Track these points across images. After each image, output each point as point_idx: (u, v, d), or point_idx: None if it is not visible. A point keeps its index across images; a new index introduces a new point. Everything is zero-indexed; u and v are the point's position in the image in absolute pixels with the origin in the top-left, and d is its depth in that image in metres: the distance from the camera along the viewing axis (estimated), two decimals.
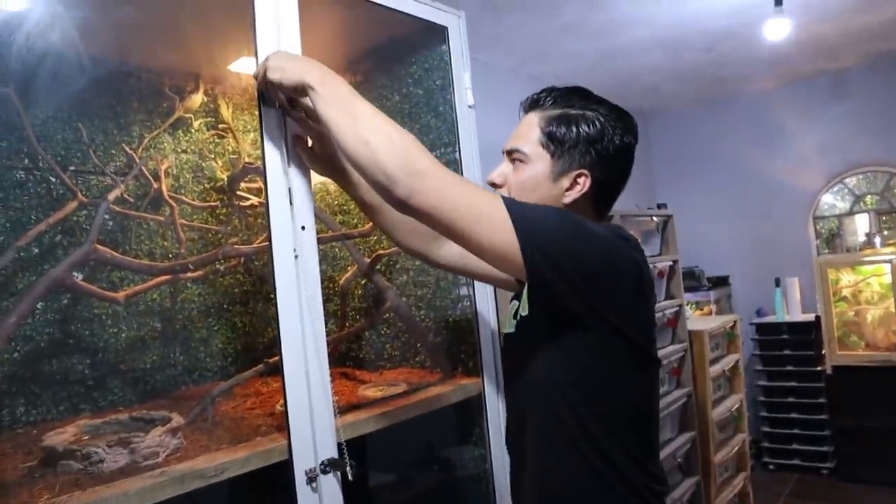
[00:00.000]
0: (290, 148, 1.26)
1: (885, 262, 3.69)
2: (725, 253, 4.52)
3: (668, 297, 2.67)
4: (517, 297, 1.18)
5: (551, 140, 1.06)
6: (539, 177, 1.07)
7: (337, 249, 1.97)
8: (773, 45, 3.38)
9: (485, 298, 1.73)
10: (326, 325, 1.92)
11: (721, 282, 4.27)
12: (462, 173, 1.73)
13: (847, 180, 4.20)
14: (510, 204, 0.95)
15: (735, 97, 4.48)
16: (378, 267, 1.88)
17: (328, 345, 1.47)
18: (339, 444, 1.33)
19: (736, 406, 3.16)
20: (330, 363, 1.93)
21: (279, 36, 1.24)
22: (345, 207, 2.04)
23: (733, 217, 4.53)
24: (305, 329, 1.29)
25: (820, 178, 4.24)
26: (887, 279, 3.66)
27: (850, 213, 4.19)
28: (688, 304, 4.10)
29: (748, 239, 4.47)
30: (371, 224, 1.85)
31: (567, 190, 1.07)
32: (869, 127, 4.05)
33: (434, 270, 1.83)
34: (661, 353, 2.48)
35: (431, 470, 1.87)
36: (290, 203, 1.28)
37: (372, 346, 1.97)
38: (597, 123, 1.06)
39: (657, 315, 2.49)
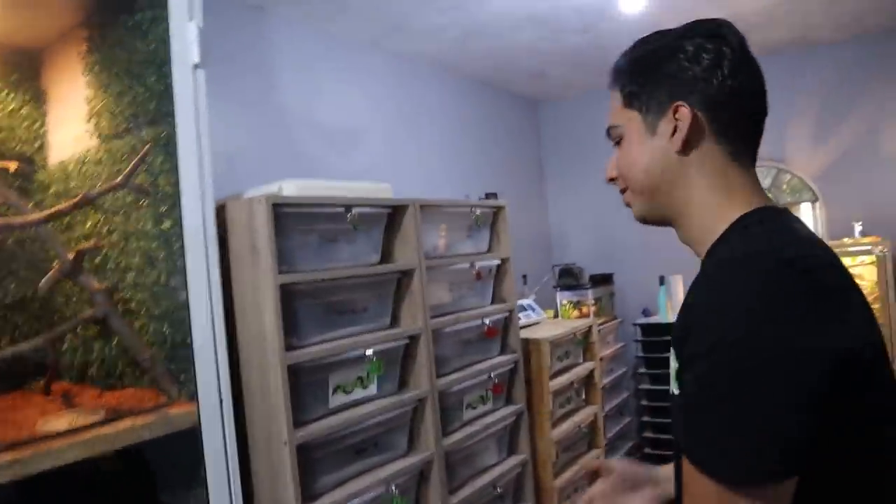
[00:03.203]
0: None
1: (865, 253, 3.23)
2: (611, 249, 4.28)
3: (498, 300, 2.36)
4: None
5: (632, 95, 0.90)
6: (641, 139, 0.89)
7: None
8: (654, 26, 3.13)
9: (204, 308, 1.39)
10: (25, 333, 1.56)
11: (604, 280, 4.02)
12: (179, 154, 1.37)
13: None
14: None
15: None
16: (95, 264, 1.52)
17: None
18: None
19: (589, 420, 2.90)
20: (36, 377, 1.58)
21: None
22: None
23: (622, 212, 4.28)
24: None
25: None
26: None
27: None
28: (565, 304, 3.87)
29: (636, 234, 4.23)
30: (69, 204, 1.48)
31: (672, 136, 0.86)
32: None
33: (155, 266, 1.48)
34: (479, 366, 2.16)
35: None
36: None
37: (104, 362, 1.61)
38: (668, 48, 0.89)
39: (476, 323, 2.18)
